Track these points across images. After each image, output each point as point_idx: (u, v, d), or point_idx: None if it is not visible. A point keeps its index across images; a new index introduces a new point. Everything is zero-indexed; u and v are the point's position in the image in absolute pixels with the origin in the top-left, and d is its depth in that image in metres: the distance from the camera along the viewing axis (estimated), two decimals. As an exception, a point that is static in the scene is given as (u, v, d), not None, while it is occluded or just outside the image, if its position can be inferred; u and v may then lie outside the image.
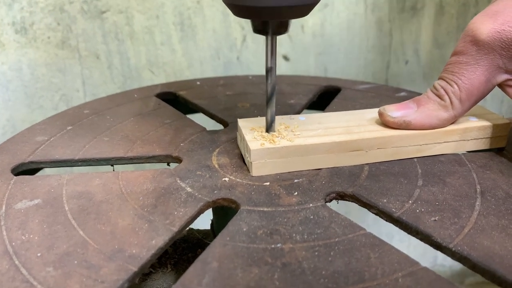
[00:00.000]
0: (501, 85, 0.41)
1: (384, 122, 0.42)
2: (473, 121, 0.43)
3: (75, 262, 0.29)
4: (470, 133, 0.43)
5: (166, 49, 0.82)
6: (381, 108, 0.43)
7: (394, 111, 0.42)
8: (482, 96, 0.41)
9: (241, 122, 0.43)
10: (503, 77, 0.40)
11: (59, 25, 0.76)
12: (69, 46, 0.78)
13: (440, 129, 0.41)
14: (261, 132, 0.41)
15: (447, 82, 0.41)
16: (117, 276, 0.28)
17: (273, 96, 0.40)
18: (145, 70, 0.83)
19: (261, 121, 0.43)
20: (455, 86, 0.40)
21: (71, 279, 0.28)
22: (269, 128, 0.41)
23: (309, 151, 0.39)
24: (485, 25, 0.38)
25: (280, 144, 0.39)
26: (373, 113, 0.45)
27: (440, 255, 1.16)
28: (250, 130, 0.41)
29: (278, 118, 0.44)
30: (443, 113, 0.41)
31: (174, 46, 0.82)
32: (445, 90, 0.41)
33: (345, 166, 0.40)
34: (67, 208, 0.34)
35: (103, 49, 0.79)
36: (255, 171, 0.39)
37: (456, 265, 1.19)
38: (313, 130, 0.41)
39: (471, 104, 0.41)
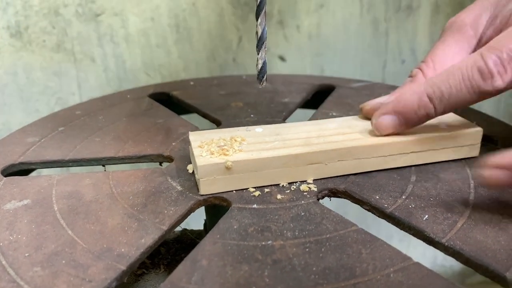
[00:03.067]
0: None
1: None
2: (444, 128, 0.40)
3: (63, 261, 0.29)
4: (440, 142, 0.40)
5: (161, 51, 0.82)
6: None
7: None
8: None
9: (192, 136, 0.40)
10: None
11: (54, 29, 0.75)
12: (65, 49, 0.77)
13: (406, 139, 0.39)
14: (212, 146, 0.37)
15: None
16: (105, 275, 0.27)
17: (263, 40, 0.37)
18: (141, 72, 0.82)
19: (215, 133, 0.40)
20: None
21: (58, 279, 0.27)
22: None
23: (264, 165, 0.36)
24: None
25: (231, 158, 0.36)
26: (337, 122, 0.43)
27: (440, 256, 1.15)
28: (201, 144, 0.38)
29: (232, 130, 0.41)
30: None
31: (170, 48, 0.82)
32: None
33: None
34: (56, 208, 0.34)
35: (99, 52, 0.79)
36: (204, 189, 0.35)
37: (456, 265, 1.18)
38: (270, 142, 0.38)
39: None
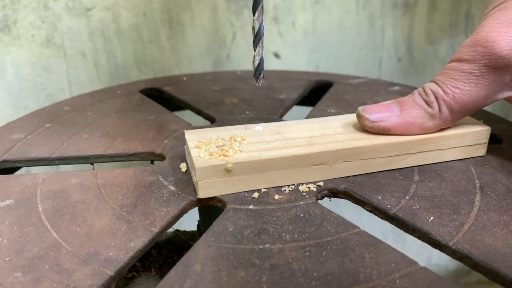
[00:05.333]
0: (507, 99, 0.37)
1: (361, 125, 0.38)
2: (450, 127, 0.39)
3: (46, 266, 0.27)
4: (446, 141, 0.38)
5: (154, 46, 0.80)
6: (360, 108, 0.39)
7: (374, 114, 0.38)
8: (475, 110, 0.37)
9: (188, 135, 0.38)
10: (506, 94, 0.36)
11: (44, 23, 0.73)
12: (54, 44, 0.75)
13: (413, 138, 0.37)
14: (211, 146, 0.35)
15: (440, 87, 0.36)
16: (91, 281, 0.26)
17: (260, 36, 0.36)
18: (133, 68, 0.80)
19: (213, 132, 0.38)
20: (450, 94, 0.36)
21: (40, 285, 0.25)
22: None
23: (266, 167, 0.34)
24: (504, 37, 0.34)
25: (231, 159, 0.34)
26: (339, 120, 0.41)
27: (434, 255, 1.14)
28: (198, 144, 0.36)
29: (230, 128, 0.39)
30: (428, 121, 0.37)
31: (163, 44, 0.80)
32: (435, 96, 0.37)
33: None
34: (40, 209, 0.32)
35: (89, 47, 0.77)
36: (202, 192, 0.33)
37: (451, 265, 1.17)
38: (271, 142, 0.37)
39: (461, 116, 0.37)
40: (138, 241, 0.29)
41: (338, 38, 0.89)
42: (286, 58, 0.88)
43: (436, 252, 1.21)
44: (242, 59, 0.85)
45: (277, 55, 0.87)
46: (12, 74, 0.74)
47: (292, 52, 0.88)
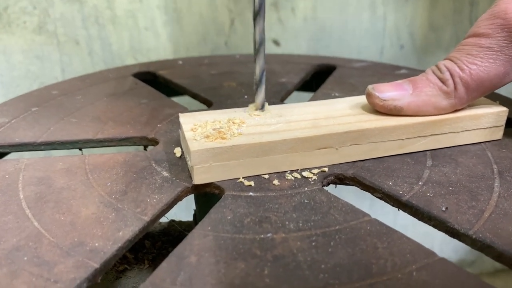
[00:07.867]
0: None
1: (371, 105, 0.36)
2: (465, 109, 0.36)
3: (25, 258, 0.24)
4: (461, 123, 0.36)
5: (150, 34, 0.78)
6: (370, 87, 0.36)
7: (385, 92, 0.35)
8: (493, 89, 0.34)
9: (183, 118, 0.35)
10: None
11: (36, 9, 0.71)
12: (47, 31, 0.73)
13: (425, 120, 0.35)
14: (207, 129, 0.33)
15: (456, 64, 0.34)
16: (74, 274, 0.23)
17: (261, 10, 0.33)
18: (128, 56, 0.78)
19: (209, 115, 0.36)
20: (467, 70, 0.33)
21: (18, 279, 0.23)
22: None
23: (267, 150, 0.32)
24: None
25: (229, 142, 0.31)
26: (345, 102, 0.39)
27: (436, 247, 1.12)
28: (194, 127, 0.33)
29: (228, 111, 0.37)
30: (443, 100, 0.34)
31: (159, 31, 0.78)
32: (451, 73, 0.34)
33: None
34: (22, 196, 0.30)
35: (83, 34, 0.75)
36: (198, 178, 0.31)
37: (453, 257, 1.15)
38: (272, 125, 0.34)
39: (478, 96, 0.35)
40: (127, 231, 0.26)
41: (339, 25, 0.87)
42: (285, 45, 0.85)
43: (437, 245, 1.19)
44: (240, 47, 0.83)
45: (276, 42, 0.85)
46: (3, 62, 0.72)
47: (292, 40, 0.85)
